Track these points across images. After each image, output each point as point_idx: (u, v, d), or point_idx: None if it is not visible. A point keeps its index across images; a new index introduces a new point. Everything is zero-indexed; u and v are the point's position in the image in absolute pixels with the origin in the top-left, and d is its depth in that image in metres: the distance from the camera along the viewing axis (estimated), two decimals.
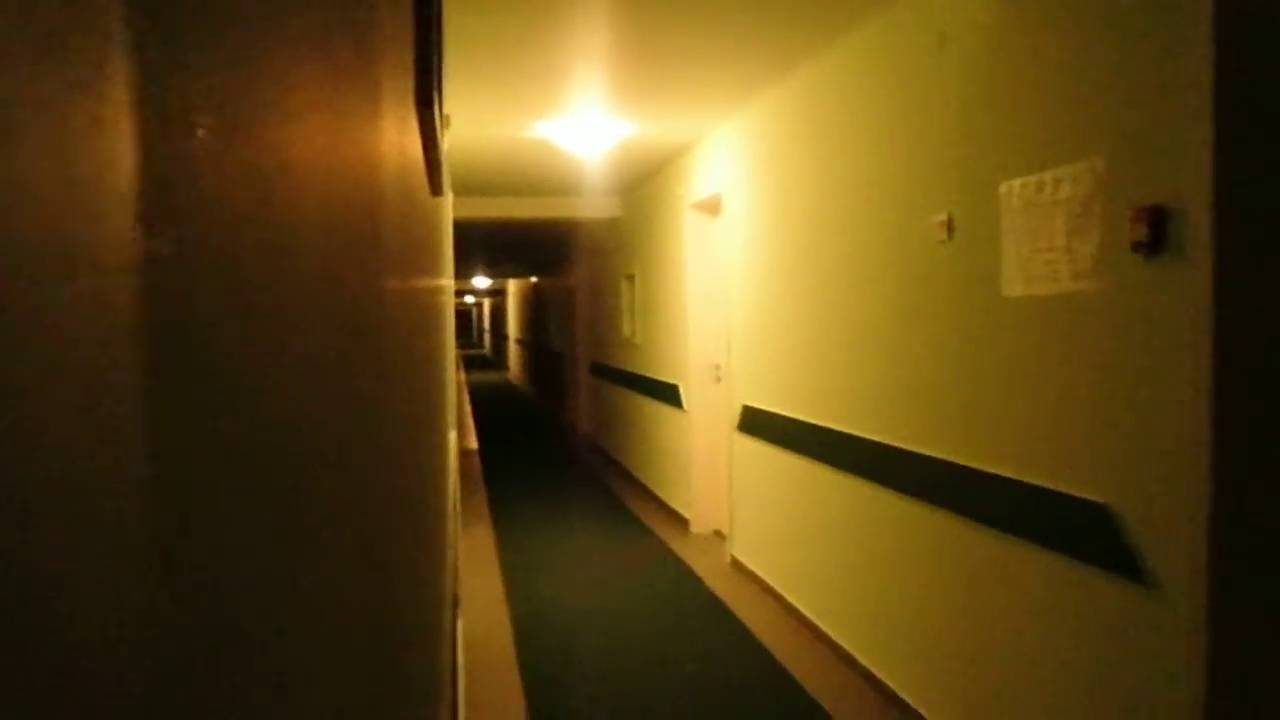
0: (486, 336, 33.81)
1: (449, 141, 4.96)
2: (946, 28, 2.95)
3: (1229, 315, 1.96)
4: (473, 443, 10.82)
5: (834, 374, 3.87)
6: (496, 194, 7.82)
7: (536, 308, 16.76)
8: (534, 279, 17.06)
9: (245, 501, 0.33)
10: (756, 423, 4.86)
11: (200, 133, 0.27)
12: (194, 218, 0.27)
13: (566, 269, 12.22)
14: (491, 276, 20.20)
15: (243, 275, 0.33)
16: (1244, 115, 1.96)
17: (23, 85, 0.16)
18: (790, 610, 4.40)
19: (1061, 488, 2.45)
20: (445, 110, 3.97)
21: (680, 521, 6.38)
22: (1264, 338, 1.99)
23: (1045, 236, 2.48)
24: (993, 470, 2.75)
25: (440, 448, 2.44)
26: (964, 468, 2.90)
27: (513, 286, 21.65)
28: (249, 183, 0.34)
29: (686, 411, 6.22)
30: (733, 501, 5.34)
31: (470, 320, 41.31)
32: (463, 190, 7.47)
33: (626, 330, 8.14)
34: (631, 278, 7.91)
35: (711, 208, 5.86)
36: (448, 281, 3.65)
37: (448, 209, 3.06)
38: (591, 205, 8.19)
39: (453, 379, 4.77)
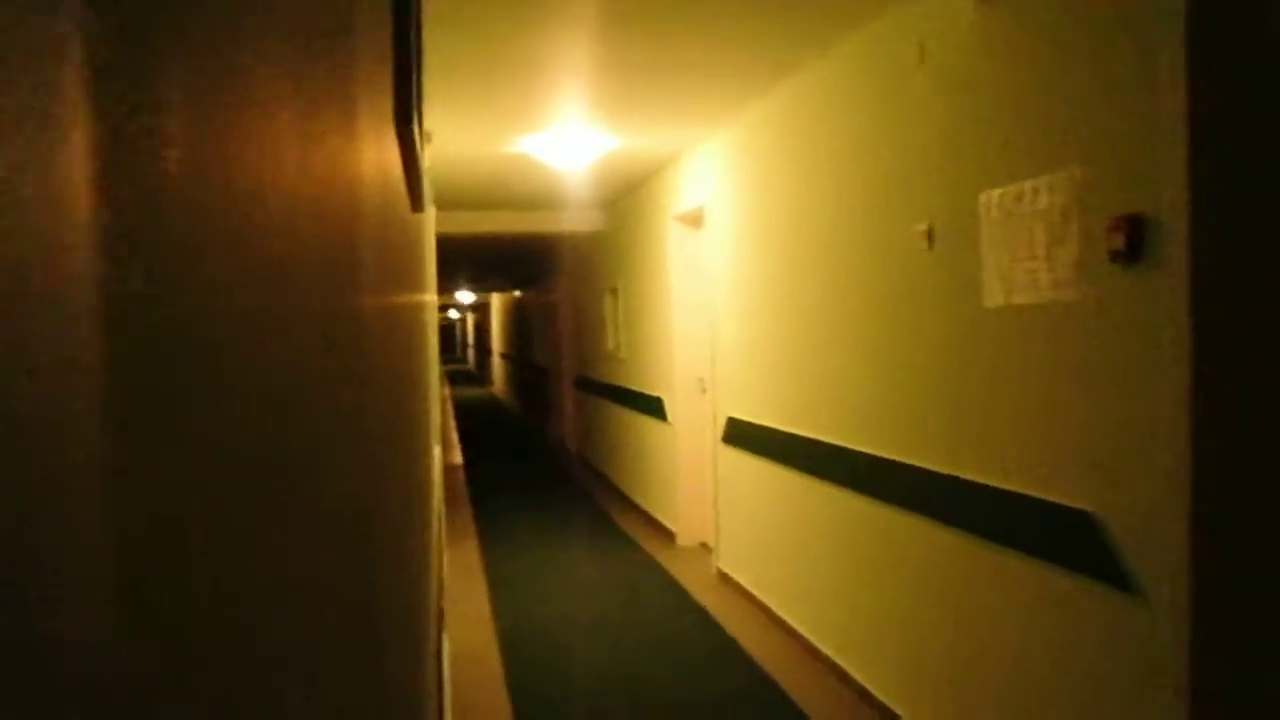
0: (470, 351, 33.75)
1: (430, 157, 4.96)
2: (926, 41, 2.98)
3: (1206, 323, 1.98)
4: (458, 458, 10.78)
5: (818, 385, 3.88)
6: (479, 208, 7.82)
7: (520, 322, 16.74)
8: (517, 293, 17.06)
9: (219, 516, 0.33)
10: (741, 434, 4.87)
11: (169, 155, 0.27)
12: (164, 245, 0.26)
13: (550, 283, 12.22)
14: (475, 291, 20.18)
15: (217, 299, 0.33)
16: (1218, 125, 1.98)
17: None
18: (778, 622, 4.40)
19: (1046, 496, 2.46)
20: (426, 127, 3.97)
21: (666, 534, 6.37)
22: (1241, 345, 2.00)
23: (1025, 246, 2.50)
24: (979, 479, 2.76)
25: (423, 462, 2.43)
26: (950, 477, 2.91)
27: (496, 301, 21.63)
28: (222, 203, 0.34)
29: (671, 424, 6.22)
30: (718, 514, 5.34)
31: (454, 335, 41.21)
32: (445, 205, 7.47)
33: (610, 344, 8.14)
34: (615, 291, 7.92)
35: (695, 220, 5.88)
36: (430, 297, 3.64)
37: (429, 224, 3.05)
38: (574, 219, 8.20)
39: (436, 394, 4.75)
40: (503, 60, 3.68)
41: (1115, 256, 2.15)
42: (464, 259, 11.75)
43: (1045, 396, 2.45)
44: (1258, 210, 2.00)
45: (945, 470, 2.94)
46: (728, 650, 4.10)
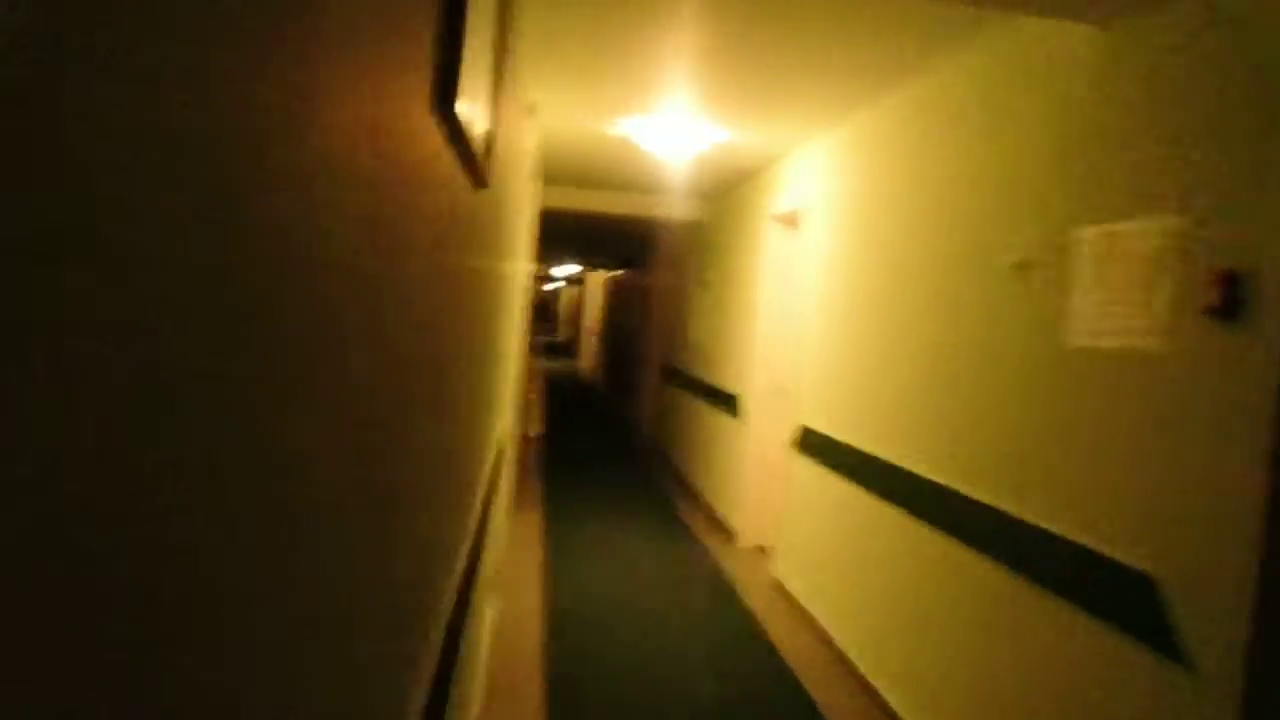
0: (566, 325, 34.12)
1: (536, 132, 5.00)
2: (1041, 64, 2.86)
3: None
4: (539, 428, 10.92)
5: (893, 405, 3.80)
6: (583, 186, 7.87)
7: (614, 301, 16.83)
8: (614, 272, 17.14)
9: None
10: (812, 444, 4.80)
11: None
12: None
13: (646, 266, 12.24)
14: (574, 265, 20.35)
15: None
16: None
17: None
18: (824, 639, 4.34)
19: (1109, 552, 2.36)
20: (529, 99, 4.01)
21: (726, 533, 6.34)
22: None
23: (1117, 289, 2.39)
24: (1043, 525, 2.66)
25: (482, 425, 2.46)
26: (1014, 519, 2.81)
27: (592, 277, 21.77)
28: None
29: (744, 423, 6.17)
30: (781, 521, 5.28)
31: (550, 308, 41.69)
32: (552, 179, 7.54)
33: (695, 334, 8.12)
34: (706, 283, 7.88)
35: (792, 221, 5.80)
36: (514, 268, 3.68)
37: (523, 198, 3.08)
38: (675, 206, 8.19)
39: (512, 363, 4.81)
40: (610, 39, 3.68)
41: (1210, 311, 2.04)
42: (567, 234, 11.87)
43: (1118, 447, 2.35)
44: None
45: (1011, 510, 2.85)
46: (769, 660, 4.07)
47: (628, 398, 13.19)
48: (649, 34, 3.53)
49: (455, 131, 1.02)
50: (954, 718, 3.08)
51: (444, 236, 1.21)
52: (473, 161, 1.22)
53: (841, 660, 4.07)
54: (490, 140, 1.50)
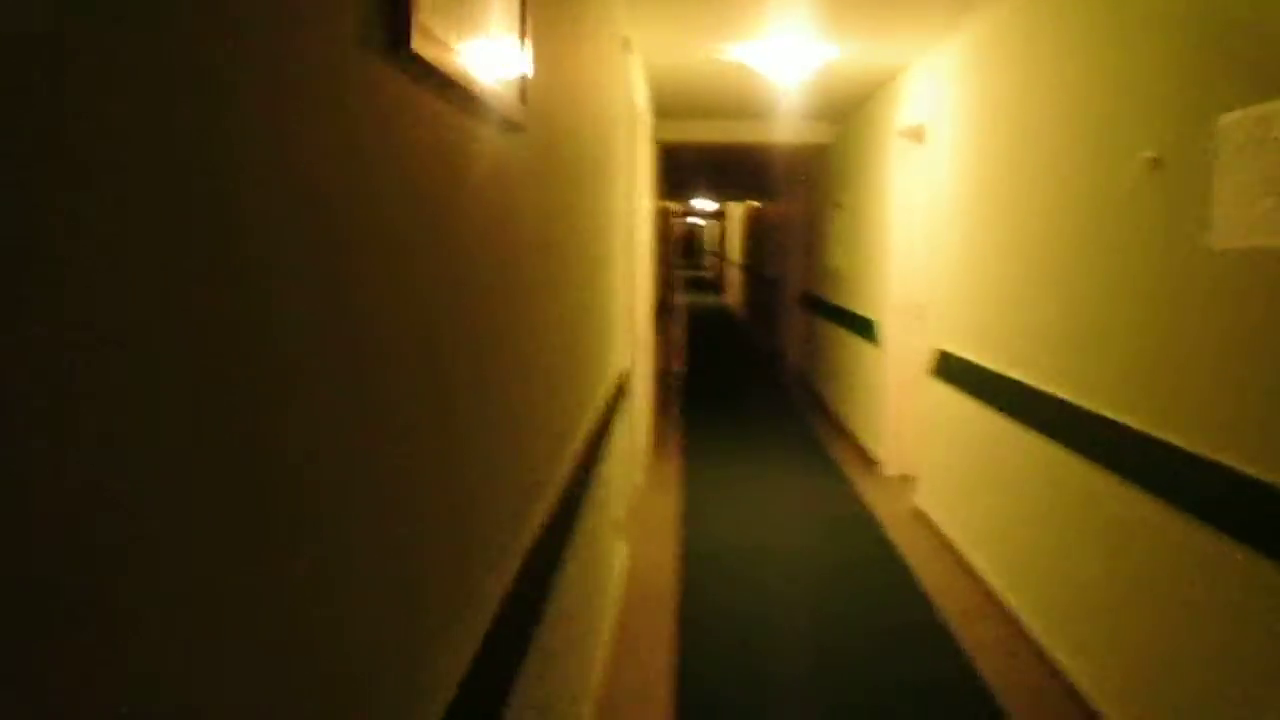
0: (710, 259, 33.87)
1: (640, 65, 4.87)
2: None
3: None
4: (679, 364, 10.93)
5: (1028, 322, 3.54)
6: (704, 117, 7.67)
7: (754, 232, 16.54)
8: (752, 203, 16.81)
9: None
10: (948, 368, 4.57)
11: None
12: None
13: (782, 194, 11.93)
14: (715, 199, 20.09)
15: None
16: None
17: None
18: (966, 570, 4.16)
19: (1262, 475, 2.12)
20: (624, 34, 3.89)
21: (870, 463, 6.16)
22: None
23: (1272, 180, 2.10)
24: (1192, 449, 2.42)
25: (579, 364, 2.44)
26: (1160, 441, 2.57)
27: (734, 210, 21.47)
28: None
29: (882, 348, 5.94)
30: (921, 448, 5.08)
31: (695, 242, 41.46)
32: (668, 113, 7.39)
33: (832, 260, 7.86)
34: (839, 205, 7.59)
35: (918, 135, 5.47)
36: (611, 203, 3.62)
37: (602, 136, 3.00)
38: (803, 130, 7.88)
39: (633, 298, 4.78)
40: None
41: None
42: (698, 167, 11.67)
43: (1277, 361, 2.09)
44: None
45: (1157, 433, 2.60)
46: (909, 594, 3.94)
47: (770, 329, 13.00)
48: None
49: (436, 75, 0.95)
50: (1094, 648, 2.89)
51: (472, 186, 1.15)
52: (472, 103, 1.14)
53: (985, 591, 3.90)
54: (525, 83, 1.43)
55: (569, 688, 2.28)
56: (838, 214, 7.62)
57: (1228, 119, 2.25)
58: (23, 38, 0.38)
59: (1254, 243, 2.16)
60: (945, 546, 4.49)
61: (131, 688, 0.45)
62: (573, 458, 2.30)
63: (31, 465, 0.39)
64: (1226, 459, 2.26)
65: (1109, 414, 2.87)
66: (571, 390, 2.32)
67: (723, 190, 17.08)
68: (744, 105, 6.93)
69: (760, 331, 14.50)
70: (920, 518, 4.95)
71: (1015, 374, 3.68)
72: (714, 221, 30.04)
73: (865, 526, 4.85)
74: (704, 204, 21.80)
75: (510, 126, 1.36)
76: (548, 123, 1.71)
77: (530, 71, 1.49)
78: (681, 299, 20.85)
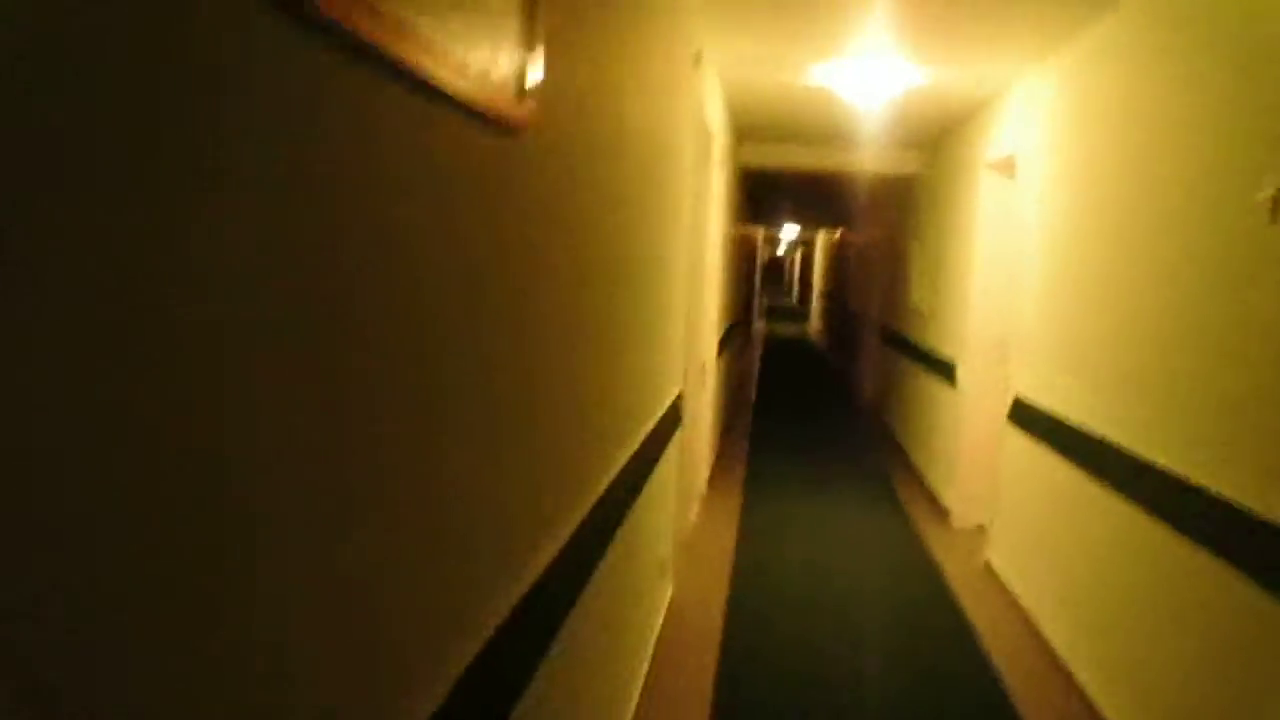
0: (796, 287, 33.44)
1: (713, 82, 4.70)
2: None
3: None
4: (750, 394, 10.68)
5: (1121, 376, 3.25)
6: (786, 141, 7.47)
7: (838, 262, 16.19)
8: (837, 232, 16.47)
9: None
10: (1026, 417, 4.26)
11: None
12: None
13: (866, 225, 11.61)
14: (795, 225, 19.78)
15: None
16: None
17: None
18: (1035, 634, 3.84)
19: None
20: (695, 47, 3.73)
21: (940, 512, 5.84)
22: None
23: None
24: None
25: (612, 388, 2.27)
26: (1265, 523, 2.28)
27: (820, 239, 21.14)
28: None
29: (960, 391, 5.63)
30: (996, 499, 4.77)
31: (782, 270, 41.02)
32: (749, 136, 7.21)
33: (913, 296, 7.55)
34: (922, 240, 7.29)
35: (1008, 168, 5.18)
36: (669, 223, 3.46)
37: (657, 152, 2.84)
38: (888, 159, 7.62)
39: (694, 327, 4.60)
40: None
41: None
42: (783, 193, 11.44)
43: None
44: None
45: (1254, 507, 2.31)
46: (970, 655, 3.64)
47: (849, 361, 12.66)
48: None
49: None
50: None
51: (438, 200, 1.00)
52: (417, 89, 0.99)
53: (1049, 655, 3.58)
54: (521, 79, 1.28)
55: None
56: (920, 249, 7.32)
57: None
58: None
59: None
60: (1014, 607, 4.17)
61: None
62: (600, 491, 2.13)
63: None
64: None
65: (1208, 485, 2.57)
66: (598, 421, 2.15)
67: (808, 218, 16.78)
68: (827, 131, 6.71)
69: (839, 362, 14.16)
70: (990, 574, 4.63)
71: (1099, 428, 3.38)
72: (801, 249, 29.70)
73: (930, 579, 4.55)
74: (791, 231, 21.49)
75: (498, 129, 1.21)
76: (566, 130, 1.55)
77: (539, 71, 1.33)
78: (760, 326, 20.57)
